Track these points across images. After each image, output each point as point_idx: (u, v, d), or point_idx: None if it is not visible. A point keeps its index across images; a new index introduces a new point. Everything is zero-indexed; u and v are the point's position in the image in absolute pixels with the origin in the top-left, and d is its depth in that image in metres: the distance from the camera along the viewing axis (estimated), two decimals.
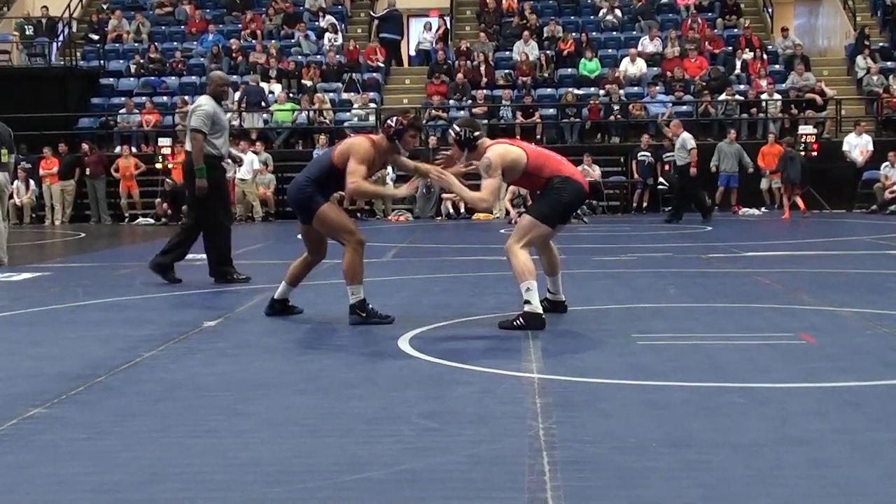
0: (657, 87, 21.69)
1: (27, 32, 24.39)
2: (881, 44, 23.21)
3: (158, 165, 19.89)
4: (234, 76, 22.80)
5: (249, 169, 18.92)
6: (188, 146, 9.01)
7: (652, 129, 20.77)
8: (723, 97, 21.17)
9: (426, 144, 19.07)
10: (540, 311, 6.25)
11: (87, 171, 20.23)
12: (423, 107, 21.29)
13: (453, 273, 9.52)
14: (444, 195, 19.07)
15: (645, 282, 8.79)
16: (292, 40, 24.23)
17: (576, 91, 21.74)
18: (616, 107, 21.30)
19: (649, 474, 3.34)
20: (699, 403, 4.32)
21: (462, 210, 18.86)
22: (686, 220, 16.73)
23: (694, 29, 23.45)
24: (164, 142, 20.10)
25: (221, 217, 9.12)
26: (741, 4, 24.96)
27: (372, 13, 25.53)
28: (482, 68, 22.50)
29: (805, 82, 21.53)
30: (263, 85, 22.25)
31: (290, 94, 22.12)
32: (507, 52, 23.44)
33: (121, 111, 22.13)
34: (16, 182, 18.87)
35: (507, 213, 17.90)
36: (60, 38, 24.61)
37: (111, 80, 23.50)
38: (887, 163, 18.78)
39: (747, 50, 22.65)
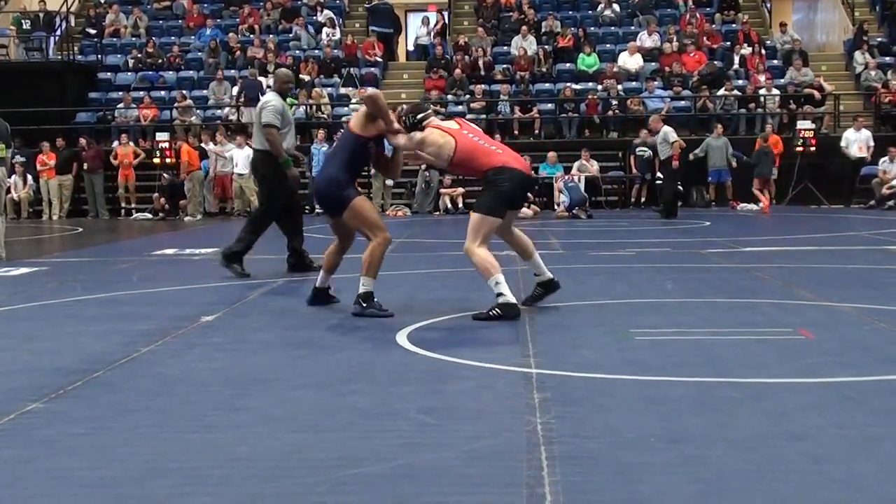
0: (655, 82, 21.68)
1: (24, 27, 24.29)
2: (879, 39, 23.20)
3: (156, 160, 19.86)
4: (232, 70, 22.81)
5: (247, 164, 18.86)
6: (255, 143, 9.08)
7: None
8: (721, 92, 21.17)
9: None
10: (514, 300, 6.40)
11: (85, 166, 20.19)
12: (421, 101, 21.25)
13: (451, 268, 9.51)
14: (443, 190, 19.06)
15: (643, 277, 8.79)
16: (290, 35, 24.20)
17: (574, 86, 21.73)
18: (614, 102, 21.32)
19: (647, 469, 3.35)
20: (697, 398, 4.32)
21: (460, 205, 18.86)
22: (682, 215, 16.72)
23: (692, 24, 23.45)
24: (162, 136, 20.07)
25: (291, 202, 9.25)
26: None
27: (367, 6, 25.51)
28: (480, 63, 22.49)
29: (803, 77, 21.52)
30: (261, 79, 22.21)
31: None
32: (506, 47, 23.42)
33: (118, 106, 22.12)
34: (13, 177, 18.85)
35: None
36: (58, 32, 24.57)
37: (109, 74, 23.47)
38: (885, 158, 18.78)
39: (745, 45, 22.64)
